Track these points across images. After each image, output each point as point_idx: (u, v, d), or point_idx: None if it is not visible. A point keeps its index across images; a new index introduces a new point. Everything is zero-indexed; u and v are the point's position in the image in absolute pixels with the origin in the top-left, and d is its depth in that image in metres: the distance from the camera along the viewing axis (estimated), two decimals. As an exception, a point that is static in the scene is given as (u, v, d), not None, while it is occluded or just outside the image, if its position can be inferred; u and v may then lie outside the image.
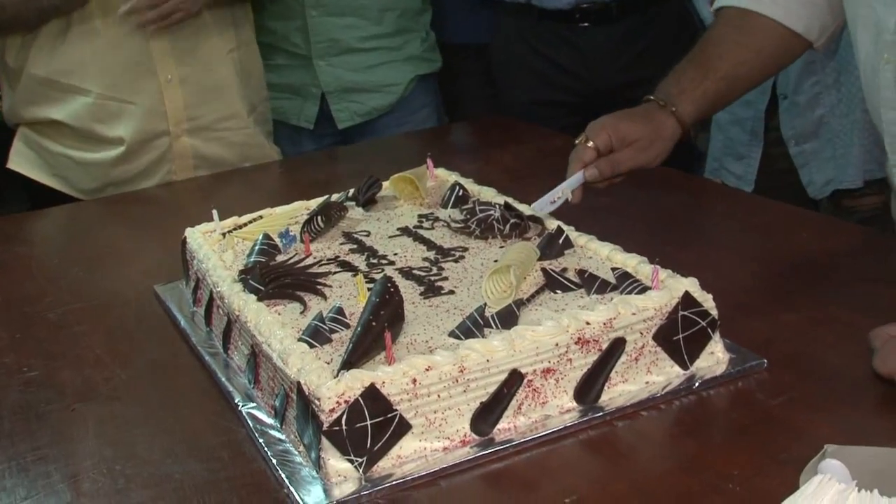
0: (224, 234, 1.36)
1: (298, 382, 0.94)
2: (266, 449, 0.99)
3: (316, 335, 1.03)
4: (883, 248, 1.40)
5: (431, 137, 2.30)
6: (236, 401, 1.08)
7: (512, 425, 0.98)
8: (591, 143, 1.34)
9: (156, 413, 1.12)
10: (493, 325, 1.02)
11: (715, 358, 1.06)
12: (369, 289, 1.12)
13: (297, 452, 0.98)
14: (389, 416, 0.92)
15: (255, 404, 1.07)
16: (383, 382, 0.92)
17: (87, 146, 1.97)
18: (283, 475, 0.94)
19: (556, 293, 1.09)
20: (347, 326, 1.05)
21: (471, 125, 2.36)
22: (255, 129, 2.13)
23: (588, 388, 1.01)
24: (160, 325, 1.35)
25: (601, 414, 1.00)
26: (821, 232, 1.45)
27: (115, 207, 1.95)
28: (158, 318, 1.37)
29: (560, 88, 2.29)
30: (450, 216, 1.36)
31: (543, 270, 1.13)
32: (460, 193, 1.42)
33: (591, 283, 1.09)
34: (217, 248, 1.33)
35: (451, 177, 1.51)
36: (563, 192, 1.32)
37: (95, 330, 1.35)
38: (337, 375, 0.93)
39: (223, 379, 1.14)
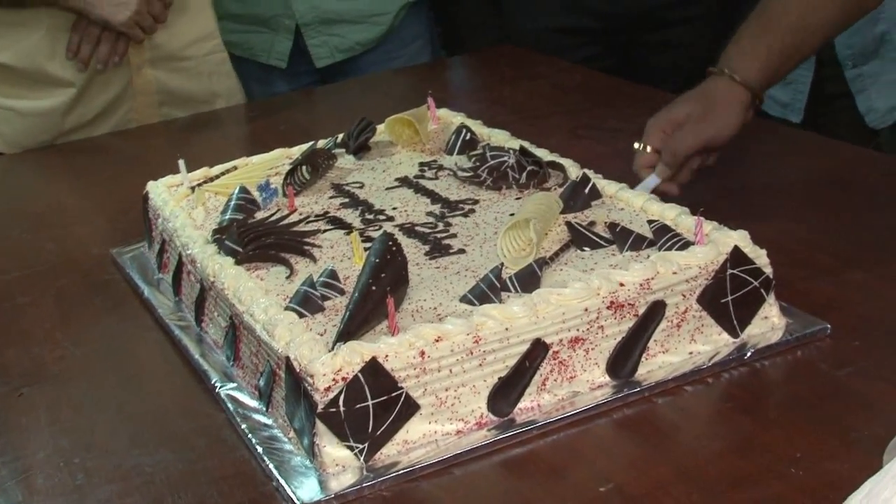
0: (193, 188, 1.36)
1: (287, 357, 0.94)
2: (249, 435, 0.99)
3: (306, 303, 1.03)
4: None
5: (427, 74, 2.29)
6: (213, 381, 1.09)
7: (535, 404, 0.98)
8: (647, 147, 1.34)
9: (118, 396, 1.12)
10: (511, 288, 1.02)
11: (770, 323, 1.06)
12: (366, 248, 1.12)
13: (286, 439, 0.98)
14: (394, 394, 0.93)
15: (235, 384, 1.07)
16: (386, 356, 0.92)
17: (34, 93, 1.95)
18: (270, 465, 0.95)
19: (583, 250, 1.09)
20: (342, 293, 1.05)
21: (474, 58, 2.35)
22: (226, 55, 2.12)
23: (623, 360, 1.01)
24: (119, 294, 1.35)
25: (638, 389, 1.00)
26: (889, 175, 1.45)
27: (59, 159, 1.95)
28: (116, 287, 1.37)
29: (579, 11, 2.27)
30: (456, 164, 1.36)
31: (568, 224, 1.13)
32: (467, 137, 1.41)
33: (623, 238, 1.09)
34: (185, 204, 1.32)
35: (457, 118, 1.51)
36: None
37: (42, 301, 1.35)
38: (332, 348, 0.93)
39: (196, 356, 1.14)
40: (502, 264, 1.05)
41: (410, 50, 2.39)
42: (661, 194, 1.29)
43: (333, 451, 0.92)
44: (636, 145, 1.35)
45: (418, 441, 0.95)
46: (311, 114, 2.11)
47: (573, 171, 1.27)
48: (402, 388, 0.93)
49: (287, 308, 1.02)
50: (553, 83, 2.04)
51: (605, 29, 2.27)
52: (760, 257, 1.05)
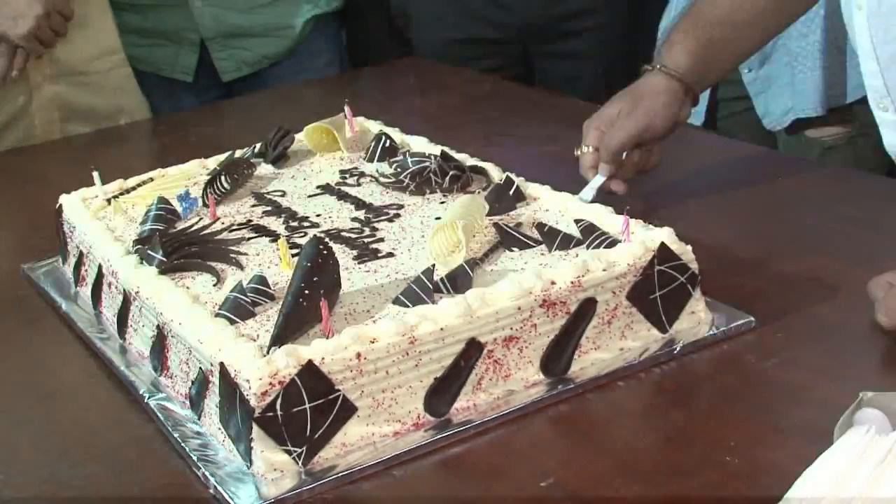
0: (109, 200, 1.33)
1: (221, 363, 0.93)
2: (182, 444, 0.98)
3: (236, 309, 1.02)
4: (858, 188, 1.47)
5: (336, 86, 2.28)
6: (141, 391, 1.07)
7: (471, 403, 0.99)
8: (587, 148, 1.35)
9: (40, 411, 1.09)
10: (443, 289, 1.02)
11: (697, 318, 1.08)
12: (294, 255, 1.11)
13: (220, 446, 0.96)
14: (331, 397, 0.92)
15: (163, 395, 1.06)
16: (322, 359, 0.91)
17: None
18: (206, 473, 0.93)
19: (512, 251, 1.10)
20: (273, 298, 1.04)
21: (383, 70, 2.35)
22: (129, 70, 2.09)
23: (556, 358, 1.02)
24: (33, 309, 1.31)
25: (572, 386, 1.01)
26: (791, 175, 1.49)
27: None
28: (30, 302, 1.33)
29: (477, 22, 2.29)
30: (377, 170, 1.36)
31: (496, 226, 1.14)
32: (387, 144, 1.42)
33: (552, 237, 1.10)
34: (102, 216, 1.30)
35: (375, 126, 1.51)
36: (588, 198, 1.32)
37: (-50, 319, 1.31)
38: (267, 353, 0.92)
39: (121, 367, 1.12)
40: (434, 265, 1.05)
41: (318, 64, 2.38)
42: (609, 193, 1.31)
43: (271, 455, 0.91)
44: (577, 151, 1.36)
45: (356, 443, 0.94)
46: (220, 127, 2.09)
47: (496, 174, 1.28)
48: (339, 390, 0.92)
49: (217, 315, 1.01)
50: (462, 93, 2.06)
51: (504, 39, 2.30)
52: (686, 253, 1.07)
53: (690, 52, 1.38)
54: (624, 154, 1.34)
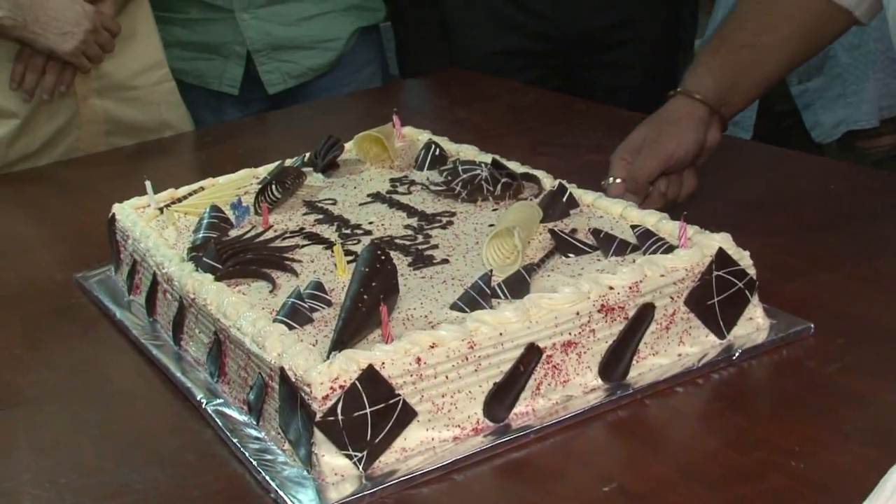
0: (161, 209, 1.34)
1: (282, 368, 0.94)
2: (242, 449, 0.98)
3: (294, 315, 1.02)
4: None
5: (381, 97, 2.29)
6: (198, 398, 1.07)
7: (530, 409, 0.99)
8: (615, 179, 1.34)
9: (99, 417, 1.10)
10: (501, 294, 1.02)
11: (755, 324, 1.08)
12: (349, 261, 1.12)
13: (279, 451, 0.97)
14: (392, 402, 0.92)
15: (221, 400, 1.06)
16: (383, 363, 0.92)
17: None
18: (266, 478, 0.94)
19: (568, 257, 1.10)
20: (330, 304, 1.05)
21: (427, 82, 2.36)
22: (174, 84, 2.11)
23: (615, 363, 1.02)
24: (88, 318, 1.33)
25: (631, 391, 1.01)
26: (844, 182, 1.48)
27: (5, 189, 1.91)
28: (84, 311, 1.35)
29: (520, 34, 2.30)
30: (428, 178, 1.37)
31: (551, 232, 1.14)
32: (437, 153, 1.42)
33: (608, 243, 1.10)
34: (155, 224, 1.31)
35: (423, 135, 1.51)
36: None
37: (7, 327, 1.33)
38: (328, 357, 0.93)
39: (177, 373, 1.13)
40: (491, 271, 1.05)
41: (362, 75, 2.40)
42: None
43: (332, 459, 0.91)
44: (604, 182, 1.35)
45: (416, 448, 0.94)
46: (265, 138, 2.11)
47: (547, 181, 1.28)
48: (399, 395, 0.92)
49: (275, 320, 1.02)
50: (506, 103, 2.06)
51: (547, 51, 2.31)
52: (744, 258, 1.07)
53: (715, 74, 1.37)
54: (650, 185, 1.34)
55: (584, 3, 2.25)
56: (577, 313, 0.99)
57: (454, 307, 1.02)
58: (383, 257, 1.02)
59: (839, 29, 1.44)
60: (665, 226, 1.12)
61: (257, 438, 1.00)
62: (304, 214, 1.30)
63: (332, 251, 1.15)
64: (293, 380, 0.92)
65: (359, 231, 1.23)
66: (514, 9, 2.28)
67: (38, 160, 1.99)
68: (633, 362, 1.03)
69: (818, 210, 1.39)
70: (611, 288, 1.01)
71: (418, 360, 0.93)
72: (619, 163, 1.35)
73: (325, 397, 0.90)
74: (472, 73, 2.28)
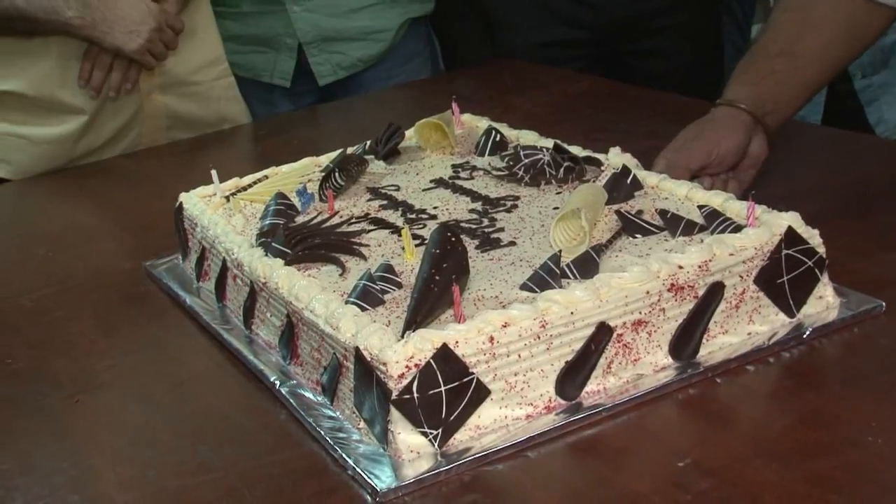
0: (228, 197, 1.36)
1: (357, 348, 0.95)
2: (317, 428, 0.99)
3: (366, 296, 1.03)
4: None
5: (431, 88, 2.30)
6: (272, 379, 1.09)
7: (601, 387, 0.99)
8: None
9: (175, 399, 1.12)
10: (570, 274, 1.03)
11: (825, 303, 1.08)
12: (417, 245, 1.13)
13: (354, 430, 0.98)
14: (466, 380, 0.93)
15: (294, 381, 1.08)
16: (456, 342, 0.93)
17: (45, 120, 1.95)
18: (343, 455, 0.95)
19: (635, 237, 1.10)
20: (400, 286, 1.06)
21: (476, 72, 2.36)
22: (233, 79, 2.13)
23: (685, 342, 1.02)
24: (157, 304, 1.35)
25: (702, 370, 1.01)
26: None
27: (70, 182, 1.94)
28: (154, 298, 1.37)
29: (567, 24, 2.30)
30: (489, 164, 1.37)
31: (617, 213, 1.15)
32: (497, 139, 1.43)
33: (675, 223, 1.10)
34: (222, 212, 1.33)
35: (482, 122, 1.52)
36: None
37: (80, 315, 1.34)
38: (402, 337, 0.94)
39: (249, 356, 1.14)
40: (560, 252, 1.06)
41: (411, 66, 2.41)
42: None
43: (408, 437, 0.92)
44: None
45: (490, 426, 0.95)
46: (318, 130, 2.13)
47: (612, 162, 1.28)
48: (472, 373, 0.93)
49: (347, 303, 1.03)
50: (558, 91, 2.07)
51: (590, 40, 2.31)
52: (814, 237, 1.06)
53: (751, 84, 1.39)
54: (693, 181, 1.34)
55: None
56: (647, 292, 1.00)
57: (524, 287, 1.02)
58: (454, 239, 1.03)
59: (882, 25, 1.43)
60: (732, 206, 1.12)
61: (331, 418, 1.01)
62: (369, 200, 1.32)
63: (400, 234, 1.16)
64: (368, 359, 0.94)
65: (424, 216, 1.24)
66: None
67: (101, 155, 2.02)
68: (703, 341, 1.03)
69: (886, 192, 1.38)
70: (680, 267, 1.01)
71: (491, 339, 0.94)
72: (661, 160, 1.36)
73: (401, 376, 0.91)
74: (521, 62, 2.29)
